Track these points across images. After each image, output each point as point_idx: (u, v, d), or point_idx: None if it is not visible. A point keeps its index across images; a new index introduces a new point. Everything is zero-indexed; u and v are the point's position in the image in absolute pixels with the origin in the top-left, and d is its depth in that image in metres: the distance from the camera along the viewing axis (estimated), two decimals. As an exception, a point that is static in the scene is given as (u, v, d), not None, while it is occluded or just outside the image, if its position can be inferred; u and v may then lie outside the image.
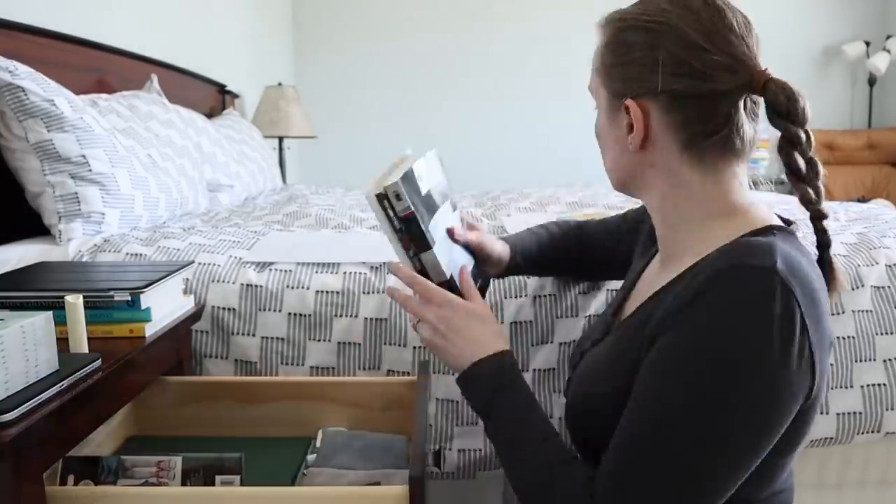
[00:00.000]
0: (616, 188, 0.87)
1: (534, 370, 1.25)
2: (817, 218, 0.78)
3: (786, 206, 1.71)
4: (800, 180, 0.76)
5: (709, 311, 0.66)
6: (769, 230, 0.73)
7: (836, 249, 1.32)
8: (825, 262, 0.79)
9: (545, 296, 1.27)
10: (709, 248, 0.74)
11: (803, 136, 0.74)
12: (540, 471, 0.75)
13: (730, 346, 0.65)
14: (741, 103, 0.74)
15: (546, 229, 1.18)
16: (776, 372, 0.64)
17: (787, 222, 0.79)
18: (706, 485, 0.66)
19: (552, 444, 0.77)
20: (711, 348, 0.66)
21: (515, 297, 1.27)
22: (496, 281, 1.28)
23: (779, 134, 0.75)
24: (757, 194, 0.83)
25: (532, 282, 1.28)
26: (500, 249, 1.08)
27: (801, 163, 0.75)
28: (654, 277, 0.87)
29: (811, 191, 0.76)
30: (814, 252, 0.79)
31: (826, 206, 0.77)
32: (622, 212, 1.16)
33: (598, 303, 1.27)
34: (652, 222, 0.87)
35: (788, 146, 0.75)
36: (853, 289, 1.29)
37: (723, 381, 0.65)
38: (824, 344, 0.68)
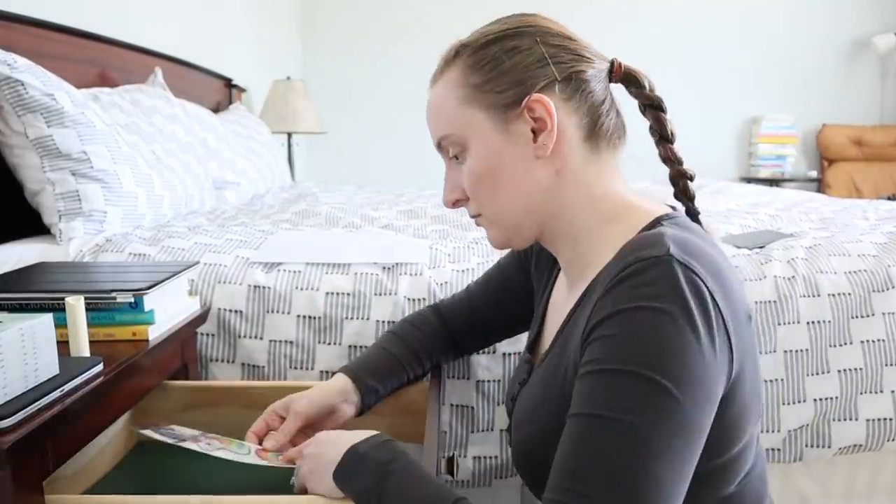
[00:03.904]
0: (531, 238, 0.82)
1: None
2: (683, 176, 0.82)
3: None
4: (668, 141, 0.82)
5: (618, 315, 0.65)
6: (656, 222, 0.75)
7: (864, 249, 1.30)
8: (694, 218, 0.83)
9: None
10: (608, 254, 0.73)
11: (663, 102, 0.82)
12: None
13: (646, 339, 0.63)
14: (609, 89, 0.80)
15: (396, 337, 1.05)
16: (696, 348, 0.63)
17: (676, 208, 0.81)
18: (659, 488, 0.61)
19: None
20: (630, 350, 0.63)
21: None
22: None
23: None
24: (640, 186, 0.82)
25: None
26: (338, 400, 0.95)
27: (669, 126, 0.81)
28: (563, 302, 0.84)
29: (677, 152, 0.82)
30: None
31: (688, 167, 0.83)
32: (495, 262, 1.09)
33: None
34: (542, 244, 0.85)
35: (656, 110, 0.82)
36: (883, 290, 1.25)
37: (648, 375, 0.62)
38: (739, 315, 0.68)
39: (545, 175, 0.77)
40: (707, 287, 0.65)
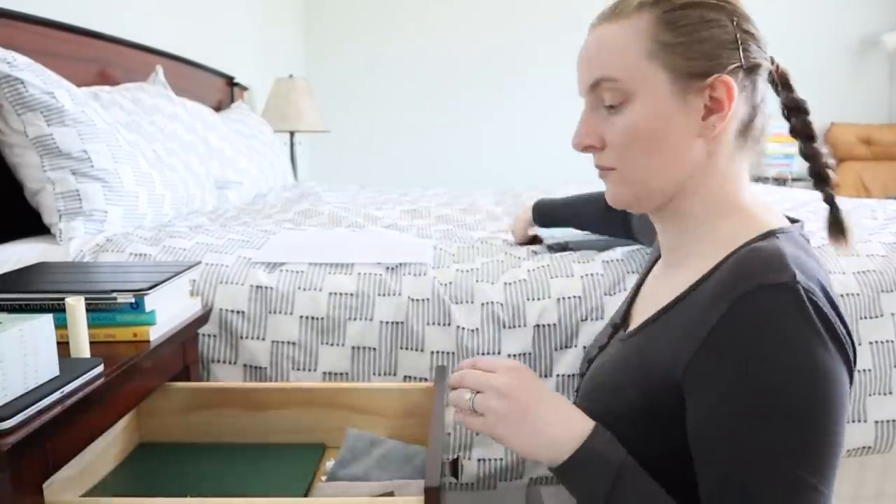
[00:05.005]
0: (655, 208, 0.80)
1: (557, 375, 1.21)
2: (825, 167, 0.82)
3: (794, 205, 1.65)
4: (812, 140, 0.82)
5: (748, 341, 0.66)
6: (772, 233, 0.74)
7: (873, 249, 1.29)
8: (841, 223, 0.82)
9: (569, 298, 1.22)
10: (715, 250, 0.74)
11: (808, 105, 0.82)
12: None
13: (783, 364, 0.65)
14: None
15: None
16: (828, 365, 0.66)
17: (791, 219, 0.81)
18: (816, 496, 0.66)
19: None
20: (768, 374, 0.65)
21: (538, 299, 1.22)
22: (516, 285, 1.23)
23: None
24: (757, 187, 0.81)
25: (556, 283, 1.23)
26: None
27: (814, 126, 0.81)
28: (658, 284, 0.85)
29: (820, 148, 0.82)
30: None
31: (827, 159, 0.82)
32: None
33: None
34: (652, 217, 0.84)
35: (803, 114, 0.82)
36: (892, 291, 1.24)
37: (790, 393, 0.65)
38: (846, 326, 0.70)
39: (699, 153, 0.76)
40: (825, 310, 0.66)
